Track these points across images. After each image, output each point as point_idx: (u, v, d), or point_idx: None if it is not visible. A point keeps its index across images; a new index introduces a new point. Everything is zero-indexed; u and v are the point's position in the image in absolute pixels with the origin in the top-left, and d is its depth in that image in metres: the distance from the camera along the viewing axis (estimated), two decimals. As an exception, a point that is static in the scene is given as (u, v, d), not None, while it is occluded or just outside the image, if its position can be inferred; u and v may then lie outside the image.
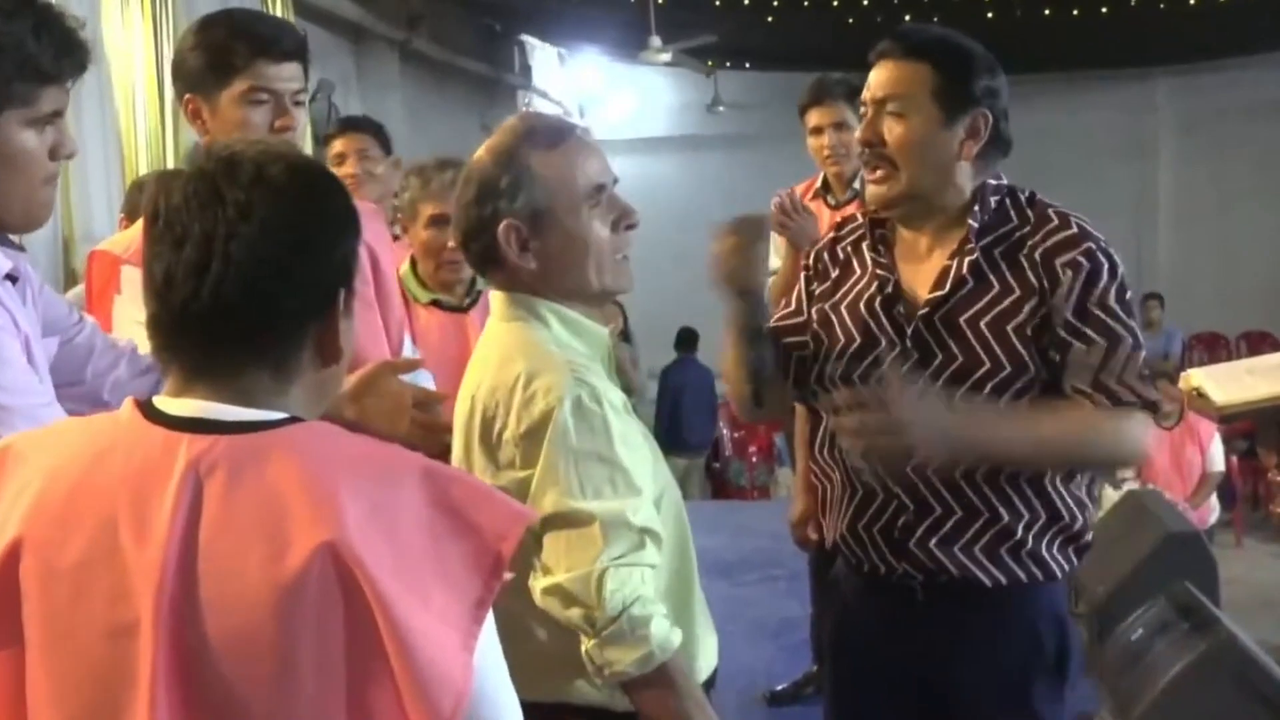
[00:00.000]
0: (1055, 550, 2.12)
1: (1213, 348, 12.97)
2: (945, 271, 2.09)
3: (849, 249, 2.25)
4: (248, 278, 1.18)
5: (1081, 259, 2.03)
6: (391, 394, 2.04)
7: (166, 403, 1.23)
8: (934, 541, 2.10)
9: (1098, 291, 2.03)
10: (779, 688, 4.39)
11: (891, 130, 2.07)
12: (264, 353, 1.21)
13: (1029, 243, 2.07)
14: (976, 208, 2.09)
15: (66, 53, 1.66)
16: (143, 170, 5.15)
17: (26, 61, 1.62)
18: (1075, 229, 2.06)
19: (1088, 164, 13.30)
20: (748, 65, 12.79)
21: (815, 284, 2.29)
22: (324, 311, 1.23)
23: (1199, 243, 13.53)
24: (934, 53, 2.08)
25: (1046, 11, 9.87)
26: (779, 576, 5.74)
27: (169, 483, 1.17)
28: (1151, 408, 2.06)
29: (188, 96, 2.21)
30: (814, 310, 2.26)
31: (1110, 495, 4.71)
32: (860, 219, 2.26)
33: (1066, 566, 2.15)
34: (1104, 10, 9.71)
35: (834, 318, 2.20)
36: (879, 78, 2.11)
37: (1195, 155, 13.57)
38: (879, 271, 2.15)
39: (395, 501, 1.17)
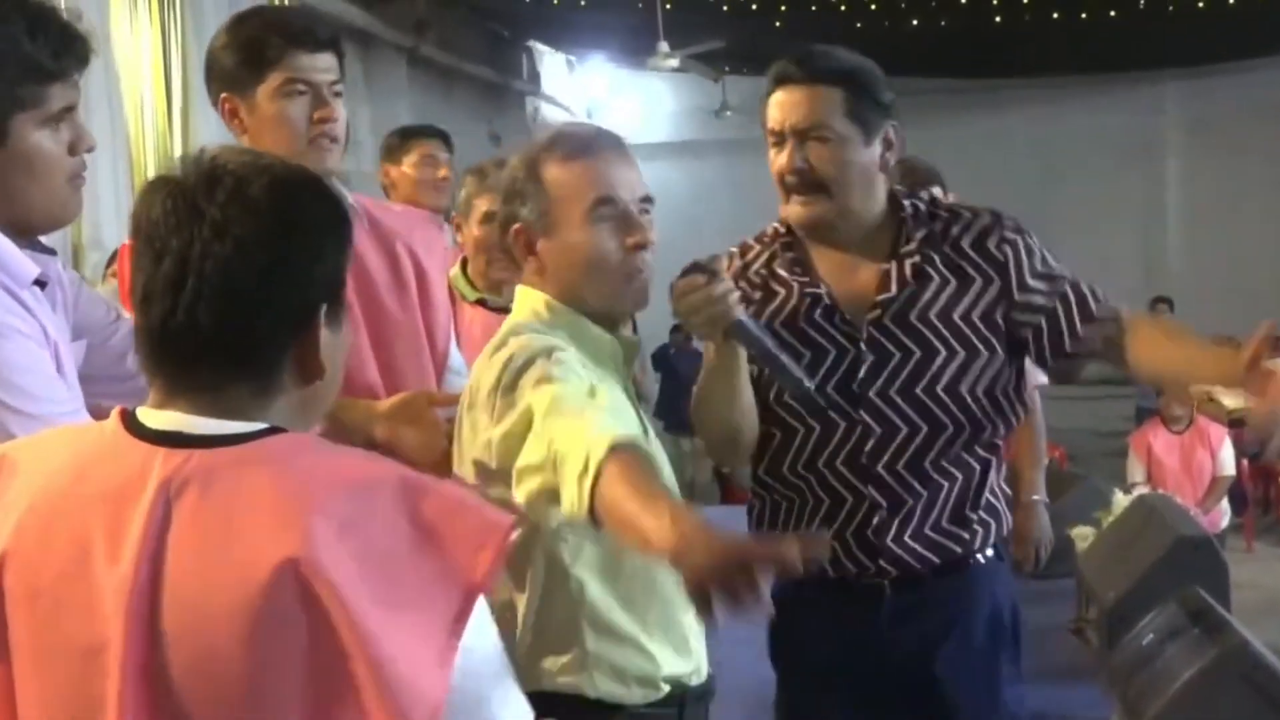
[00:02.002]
0: (999, 492, 2.24)
1: (1222, 351, 12.92)
2: (886, 275, 2.15)
3: (763, 272, 2.24)
4: (222, 297, 1.16)
5: (1010, 234, 2.17)
6: (428, 425, 2.04)
7: (149, 415, 1.22)
8: (908, 533, 2.14)
9: (1037, 254, 2.18)
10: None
11: (819, 156, 2.11)
12: (242, 369, 1.20)
13: (951, 234, 2.17)
14: (903, 214, 2.18)
15: (66, 48, 1.66)
16: (151, 174, 5.15)
17: (27, 63, 1.62)
18: (987, 215, 2.20)
19: (1097, 167, 13.30)
20: (755, 71, 12.80)
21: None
22: (303, 329, 1.21)
23: (1208, 245, 13.51)
24: (842, 75, 2.13)
25: (1055, 15, 9.86)
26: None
27: (142, 499, 1.16)
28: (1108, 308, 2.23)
29: (224, 96, 2.20)
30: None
31: (1120, 500, 4.69)
32: (757, 245, 2.27)
33: (1005, 515, 2.26)
34: (1113, 13, 9.70)
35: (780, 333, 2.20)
36: (791, 107, 2.12)
37: (1204, 158, 13.56)
38: (807, 289, 2.17)
39: (368, 516, 1.14)
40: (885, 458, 2.13)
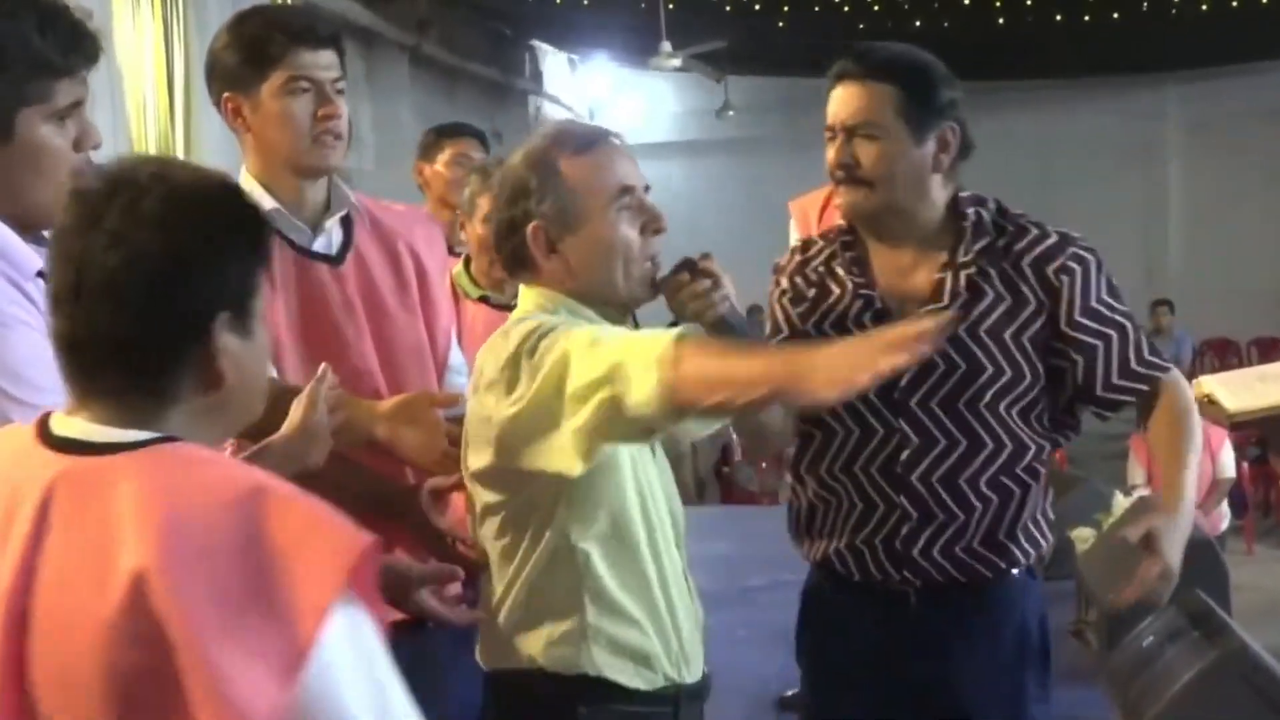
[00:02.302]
0: (1039, 514, 2.21)
1: (1223, 353, 12.93)
2: (939, 284, 2.12)
3: (821, 269, 2.25)
4: (113, 306, 1.18)
5: (1071, 263, 2.12)
6: (428, 426, 2.04)
7: (59, 421, 1.24)
8: (938, 548, 2.13)
9: (1094, 289, 2.13)
10: (789, 693, 4.37)
11: (866, 153, 2.10)
12: (138, 377, 1.21)
13: (1014, 251, 2.13)
14: (965, 222, 2.14)
15: (75, 45, 1.67)
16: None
17: (36, 59, 1.63)
18: (1055, 236, 2.15)
19: (1098, 169, 13.29)
20: (758, 71, 12.80)
21: (794, 307, 2.28)
22: (199, 337, 1.21)
23: (1209, 248, 13.49)
24: (896, 73, 2.11)
25: (1058, 17, 9.87)
26: (790, 582, 5.70)
27: (30, 505, 1.17)
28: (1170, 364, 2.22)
29: (226, 96, 2.19)
30: (802, 328, 2.26)
31: (1121, 502, 4.69)
32: (821, 241, 2.28)
33: (1043, 541, 2.22)
34: (1115, 15, 9.70)
35: (829, 333, 2.20)
36: (844, 102, 2.13)
37: (1205, 160, 13.55)
38: (861, 290, 2.17)
39: (222, 532, 1.13)
40: (920, 469, 2.12)
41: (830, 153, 2.15)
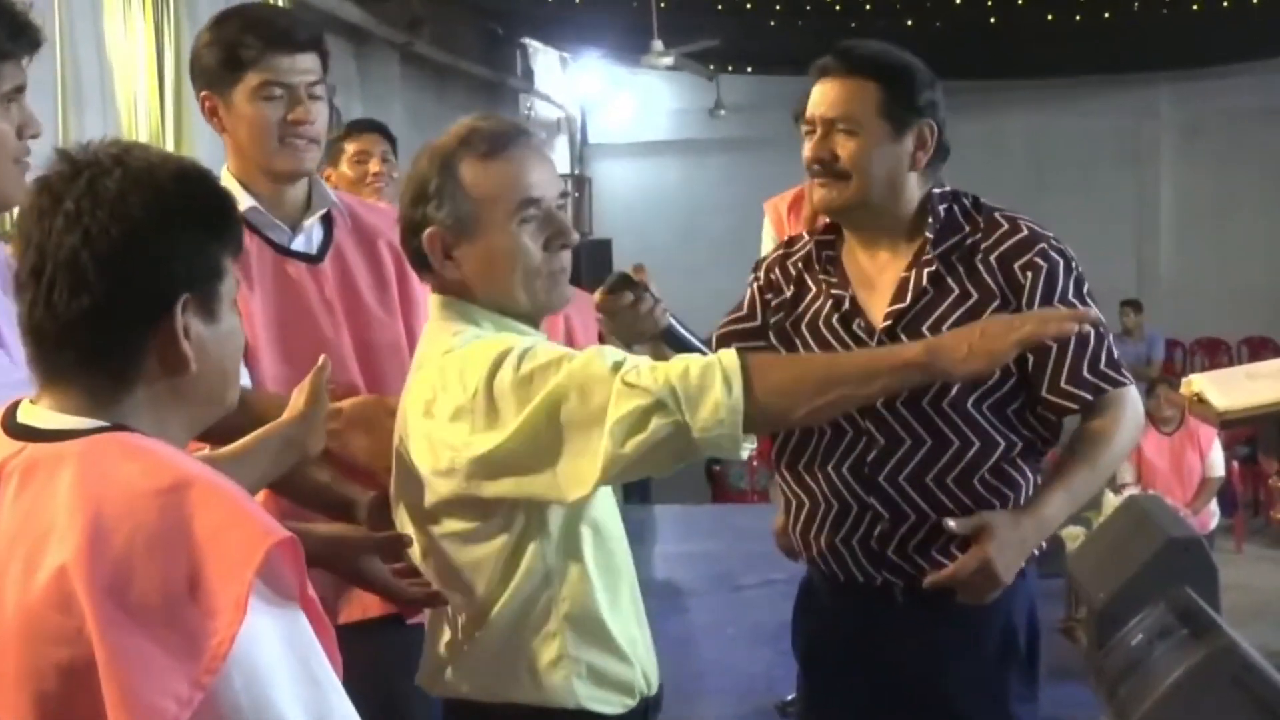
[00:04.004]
0: None
1: (1214, 353, 12.96)
2: (904, 283, 2.13)
3: (799, 265, 2.28)
4: (71, 288, 1.18)
5: (1038, 260, 2.09)
6: (381, 434, 1.96)
7: (24, 408, 1.25)
8: (912, 546, 2.12)
9: (1059, 289, 2.09)
10: (789, 698, 4.35)
11: (844, 147, 2.12)
12: (100, 360, 1.22)
13: (982, 248, 2.12)
14: (930, 219, 2.14)
15: (19, 30, 1.70)
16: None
17: None
18: (1026, 231, 2.13)
19: (1090, 169, 13.31)
20: (750, 69, 12.79)
21: (770, 295, 2.30)
22: (158, 320, 1.21)
23: (1200, 248, 13.52)
24: (878, 70, 2.13)
25: (1049, 16, 9.87)
26: (779, 580, 5.73)
27: None
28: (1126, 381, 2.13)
29: (204, 94, 2.21)
30: (771, 321, 2.27)
31: (1111, 500, 4.71)
32: (805, 238, 2.30)
33: (1035, 550, 2.16)
34: (1107, 15, 9.70)
35: (795, 338, 2.22)
36: (825, 97, 2.15)
37: (1197, 161, 13.57)
38: (833, 291, 2.18)
39: (144, 526, 1.12)
40: (887, 468, 2.11)
41: (807, 147, 2.16)
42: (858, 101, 2.11)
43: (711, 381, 1.61)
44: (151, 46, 5.43)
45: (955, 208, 2.17)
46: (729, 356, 1.64)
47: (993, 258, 2.11)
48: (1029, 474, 2.16)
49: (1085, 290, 2.12)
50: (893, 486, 2.11)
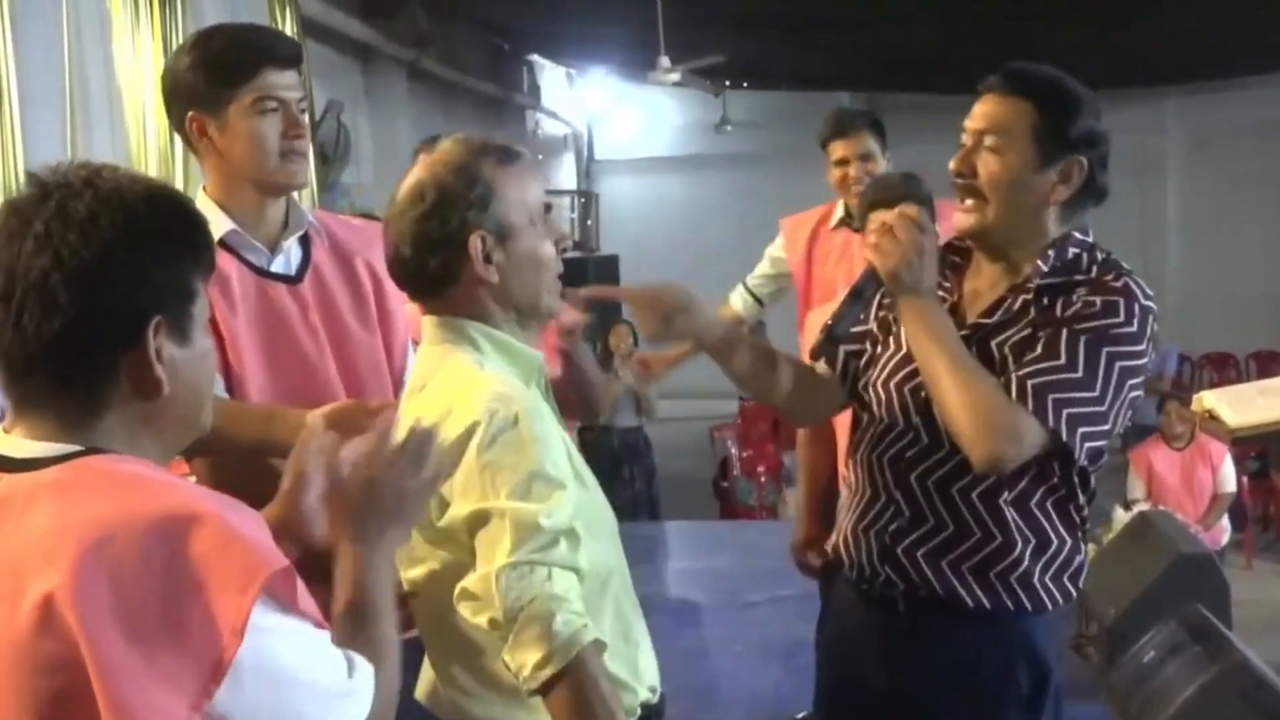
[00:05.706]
0: (1048, 579, 2.10)
1: (1222, 367, 12.94)
2: (999, 302, 2.11)
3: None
4: (41, 310, 1.17)
5: (1097, 299, 2.01)
6: (362, 435, 1.94)
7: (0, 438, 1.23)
8: (922, 552, 2.12)
9: (1092, 324, 1.99)
10: (800, 716, 4.31)
11: (986, 164, 2.07)
12: (71, 384, 1.20)
13: (1077, 291, 2.04)
14: (1051, 252, 2.07)
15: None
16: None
17: None
18: (1121, 284, 2.03)
19: (1096, 183, 13.31)
20: (756, 85, 12.81)
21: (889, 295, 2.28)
22: (129, 342, 1.20)
23: (1207, 262, 13.51)
24: (1038, 91, 2.07)
25: (1056, 31, 9.88)
26: (788, 597, 5.70)
27: None
28: (1054, 439, 1.97)
29: (191, 115, 2.18)
30: (878, 316, 2.29)
31: (1121, 516, 4.70)
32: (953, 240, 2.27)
33: (1060, 599, 2.11)
34: (1114, 30, 9.71)
35: (894, 327, 2.23)
36: (982, 110, 2.10)
37: (1204, 174, 13.58)
38: (940, 292, 2.16)
39: (137, 553, 1.11)
40: (920, 468, 2.11)
41: (954, 159, 2.12)
42: (1009, 118, 2.06)
43: (536, 646, 1.60)
44: (160, 62, 5.45)
45: (1085, 256, 2.09)
46: (569, 647, 1.60)
47: (1074, 294, 2.04)
48: (1053, 518, 2.10)
49: (1119, 360, 1.97)
50: (919, 486, 2.12)
